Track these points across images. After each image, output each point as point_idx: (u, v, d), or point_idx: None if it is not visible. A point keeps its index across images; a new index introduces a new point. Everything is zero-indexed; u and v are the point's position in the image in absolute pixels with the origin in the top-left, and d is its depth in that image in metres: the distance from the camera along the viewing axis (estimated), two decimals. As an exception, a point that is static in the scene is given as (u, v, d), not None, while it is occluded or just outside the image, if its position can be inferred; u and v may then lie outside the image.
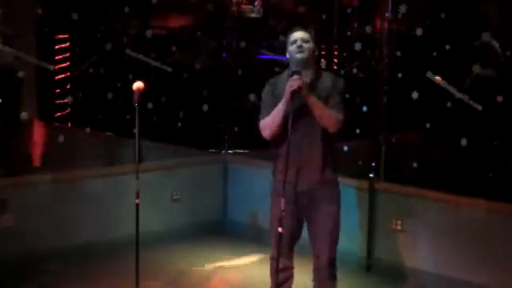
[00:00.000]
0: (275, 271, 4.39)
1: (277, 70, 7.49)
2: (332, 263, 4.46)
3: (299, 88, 4.19)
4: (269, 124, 4.38)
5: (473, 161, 5.93)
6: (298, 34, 4.39)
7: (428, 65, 5.86)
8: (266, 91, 4.50)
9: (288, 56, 4.44)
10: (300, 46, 4.34)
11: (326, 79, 4.44)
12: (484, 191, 5.53)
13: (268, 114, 4.39)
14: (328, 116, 4.31)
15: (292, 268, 4.55)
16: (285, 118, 4.26)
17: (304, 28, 4.45)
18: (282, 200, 4.19)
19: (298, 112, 4.25)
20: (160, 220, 6.53)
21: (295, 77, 4.22)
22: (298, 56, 4.34)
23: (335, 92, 4.39)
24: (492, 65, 5.99)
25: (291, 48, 4.39)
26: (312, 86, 4.34)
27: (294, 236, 4.51)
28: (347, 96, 4.89)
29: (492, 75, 5.96)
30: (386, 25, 5.98)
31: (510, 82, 5.91)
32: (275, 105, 4.35)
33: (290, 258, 4.54)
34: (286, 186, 4.20)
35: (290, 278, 4.55)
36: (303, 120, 4.29)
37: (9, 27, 6.78)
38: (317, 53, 4.55)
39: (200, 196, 6.91)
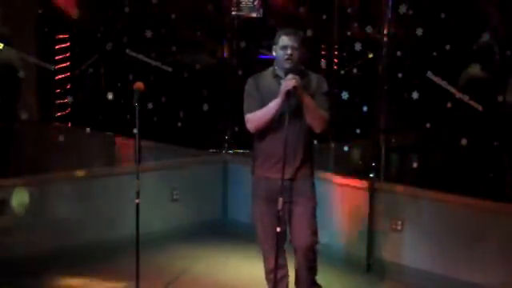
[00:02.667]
0: (272, 269, 4.41)
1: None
2: (310, 253, 4.48)
3: (294, 88, 4.22)
4: (258, 118, 4.41)
5: (473, 161, 5.92)
6: (289, 41, 4.37)
7: (428, 65, 5.86)
8: (251, 84, 4.53)
9: (274, 55, 4.45)
10: (290, 55, 4.35)
11: (312, 80, 4.49)
12: (484, 191, 5.53)
13: (254, 107, 4.43)
14: (319, 116, 4.37)
15: (287, 265, 4.56)
16: (276, 116, 4.30)
17: (294, 31, 4.43)
18: (280, 199, 4.21)
19: (289, 110, 4.29)
20: (160, 220, 6.53)
21: (290, 76, 4.25)
22: (287, 66, 4.36)
23: (320, 92, 4.44)
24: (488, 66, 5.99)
25: (280, 52, 4.40)
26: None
27: (285, 232, 4.53)
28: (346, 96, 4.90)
29: (486, 76, 5.96)
30: (386, 25, 5.98)
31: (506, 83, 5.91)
32: (261, 100, 4.38)
33: (285, 255, 4.56)
34: (273, 183, 4.24)
35: (286, 275, 4.56)
36: (292, 118, 4.32)
37: (8, 27, 6.78)
38: (306, 55, 4.55)
39: (200, 196, 6.91)
